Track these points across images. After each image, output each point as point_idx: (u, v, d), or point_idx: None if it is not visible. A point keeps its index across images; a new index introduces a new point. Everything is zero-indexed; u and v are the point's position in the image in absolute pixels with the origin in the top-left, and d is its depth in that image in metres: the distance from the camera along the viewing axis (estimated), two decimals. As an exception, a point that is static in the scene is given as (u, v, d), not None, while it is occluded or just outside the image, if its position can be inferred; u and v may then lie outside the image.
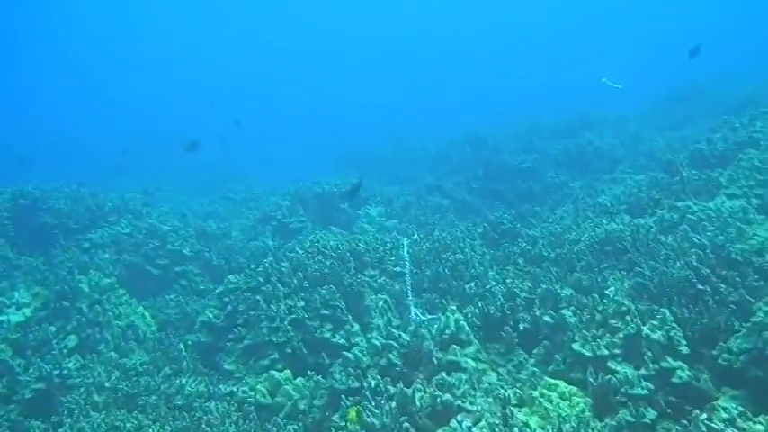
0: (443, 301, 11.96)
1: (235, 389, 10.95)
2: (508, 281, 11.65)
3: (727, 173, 14.41)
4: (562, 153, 24.39)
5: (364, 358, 9.59)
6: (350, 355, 9.63)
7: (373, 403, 8.28)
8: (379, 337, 9.86)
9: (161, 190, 30.44)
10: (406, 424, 7.94)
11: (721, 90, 31.28)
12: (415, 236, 14.93)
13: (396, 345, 9.55)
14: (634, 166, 23.07)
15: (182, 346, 12.70)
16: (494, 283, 12.01)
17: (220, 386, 11.13)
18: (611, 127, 28.49)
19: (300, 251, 13.10)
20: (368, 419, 7.97)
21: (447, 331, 9.71)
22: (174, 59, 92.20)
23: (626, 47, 69.43)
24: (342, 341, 11.40)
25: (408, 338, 9.61)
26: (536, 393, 8.59)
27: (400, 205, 20.99)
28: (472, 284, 12.18)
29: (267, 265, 12.34)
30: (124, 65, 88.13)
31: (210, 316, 12.40)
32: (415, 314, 10.06)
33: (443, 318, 9.85)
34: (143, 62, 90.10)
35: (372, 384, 8.88)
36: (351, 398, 8.94)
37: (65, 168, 37.94)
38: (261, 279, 12.10)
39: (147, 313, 14.30)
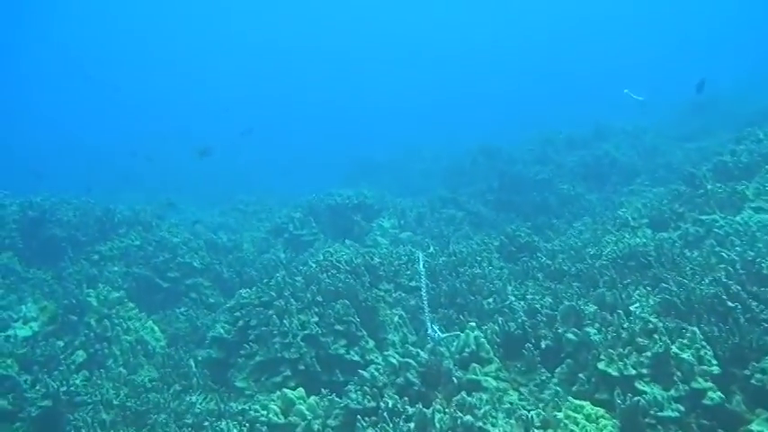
0: (461, 316, 11.68)
1: (246, 407, 10.61)
2: (529, 297, 11.34)
3: (753, 185, 14.07)
4: (579, 165, 24.09)
5: (380, 377, 9.28)
6: (366, 373, 9.32)
7: (391, 425, 7.96)
8: (396, 355, 9.55)
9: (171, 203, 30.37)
10: (426, 448, 7.62)
11: (738, 100, 30.95)
12: (431, 249, 14.63)
13: (413, 363, 9.22)
14: (652, 178, 22.73)
15: (192, 362, 12.42)
16: (513, 299, 11.71)
17: (231, 404, 10.83)
18: (628, 138, 28.14)
19: (314, 265, 12.82)
20: (386, 443, 7.66)
21: (467, 349, 9.40)
22: (182, 63, 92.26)
23: (640, 55, 69.06)
24: (356, 358, 11.09)
25: (426, 356, 9.30)
26: (561, 415, 8.26)
27: (414, 217, 20.68)
28: (491, 300, 11.88)
29: (280, 279, 12.05)
30: (132, 66, 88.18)
31: (221, 331, 12.10)
32: (434, 331, 9.73)
33: (463, 335, 9.54)
34: (151, 64, 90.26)
35: (390, 404, 8.56)
36: (367, 418, 8.63)
37: (74, 174, 37.97)
38: (273, 293, 11.81)
39: (156, 327, 14.04)
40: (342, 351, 11.11)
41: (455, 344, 9.56)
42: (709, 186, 14.43)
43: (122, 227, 18.34)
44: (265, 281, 12.34)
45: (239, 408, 10.64)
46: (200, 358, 12.48)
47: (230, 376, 11.40)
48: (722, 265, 10.48)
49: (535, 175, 22.84)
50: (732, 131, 25.59)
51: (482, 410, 8.22)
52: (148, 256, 17.29)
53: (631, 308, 10.21)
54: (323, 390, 10.11)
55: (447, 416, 8.15)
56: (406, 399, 8.68)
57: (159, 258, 17.12)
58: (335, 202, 20.69)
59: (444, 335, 9.63)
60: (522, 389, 9.45)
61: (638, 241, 12.14)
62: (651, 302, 10.27)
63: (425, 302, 10.78)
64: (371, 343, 11.44)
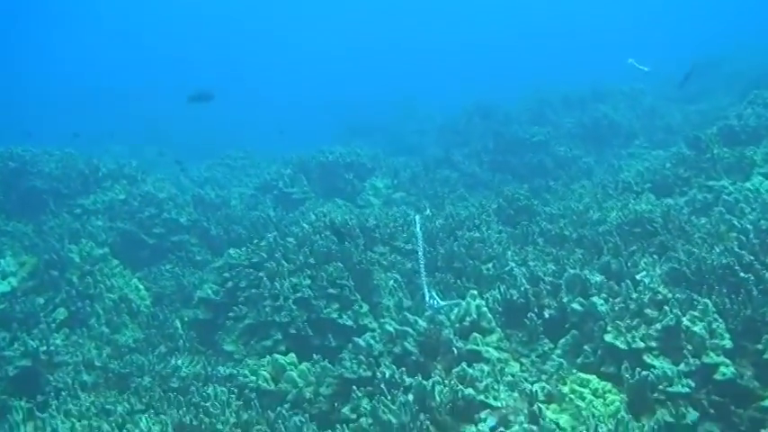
0: (459, 281, 11.33)
1: (235, 371, 10.30)
2: (531, 263, 10.98)
3: (762, 150, 13.69)
4: (576, 126, 23.64)
5: (377, 345, 8.92)
6: (361, 341, 8.96)
7: (389, 398, 7.60)
8: (393, 323, 9.19)
9: (163, 155, 29.85)
10: (426, 422, 7.26)
11: (740, 62, 30.45)
12: (428, 211, 14.24)
13: (411, 331, 8.87)
14: (651, 140, 22.41)
15: (178, 323, 12.05)
16: (513, 265, 11.35)
17: (219, 368, 10.48)
18: (626, 99, 27.63)
19: (306, 225, 12.40)
20: (384, 416, 7.29)
21: (468, 318, 9.03)
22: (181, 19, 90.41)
23: (638, 18, 68.33)
24: (349, 322, 10.76)
25: (425, 325, 8.93)
26: (566, 389, 7.94)
27: (407, 177, 20.21)
28: (490, 265, 11.53)
29: (271, 239, 11.64)
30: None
31: (209, 292, 11.73)
32: (432, 298, 9.34)
33: (464, 303, 9.16)
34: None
35: (386, 375, 8.22)
36: (362, 388, 8.28)
37: (71, 121, 37.27)
38: (264, 254, 11.41)
39: (141, 286, 13.62)
40: (334, 315, 10.77)
41: (455, 312, 9.19)
42: (715, 151, 14.04)
43: (107, 180, 17.82)
44: (256, 241, 11.92)
45: (227, 372, 10.31)
46: (186, 319, 12.12)
47: (218, 339, 11.07)
48: (734, 234, 10.12)
49: (531, 137, 22.32)
50: (733, 94, 25.30)
51: (483, 383, 7.88)
52: (133, 211, 16.85)
53: (637, 277, 9.85)
54: (315, 355, 9.78)
55: (447, 388, 7.81)
56: (403, 369, 8.34)
57: (145, 214, 16.68)
58: (327, 160, 20.18)
59: (444, 302, 9.23)
60: (523, 360, 9.11)
61: (645, 207, 11.76)
62: (658, 271, 9.92)
63: (422, 267, 10.40)
64: (365, 307, 11.09)
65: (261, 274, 11.13)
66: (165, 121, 41.24)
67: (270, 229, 16.10)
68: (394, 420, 7.19)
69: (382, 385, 7.94)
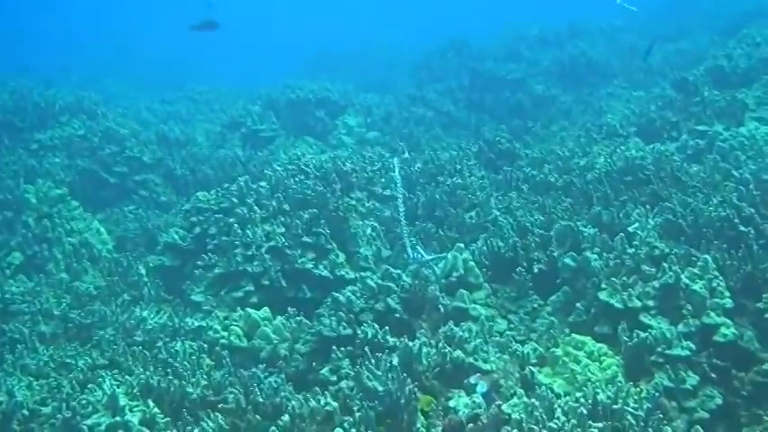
0: (440, 230, 10.85)
1: (204, 324, 9.81)
2: (518, 213, 10.51)
3: (754, 93, 13.24)
4: (553, 64, 22.93)
5: (358, 301, 8.45)
6: (341, 296, 8.49)
7: (373, 362, 7.13)
8: (375, 277, 8.72)
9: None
10: (414, 390, 6.81)
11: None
12: (406, 154, 13.67)
13: (395, 287, 8.40)
14: (631, 80, 21.80)
15: (142, 270, 11.48)
16: (497, 213, 10.89)
17: (187, 320, 9.96)
18: (604, 37, 27.00)
19: (279, 168, 11.81)
20: (369, 383, 6.83)
21: (454, 273, 8.60)
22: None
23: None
24: (325, 273, 10.27)
25: (410, 281, 8.46)
26: (559, 352, 7.55)
27: (381, 116, 19.51)
28: (473, 213, 11.04)
29: (242, 183, 11.02)
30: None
31: (176, 237, 11.12)
32: (416, 251, 8.86)
33: (450, 257, 8.70)
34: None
35: (369, 335, 7.76)
36: (342, 348, 7.82)
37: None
38: (235, 200, 10.81)
39: (102, 229, 13.00)
40: (309, 265, 10.27)
41: (441, 267, 8.72)
42: (706, 94, 13.57)
43: (64, 114, 16.93)
44: (226, 185, 11.27)
45: (196, 324, 9.81)
46: (151, 265, 11.53)
47: (186, 288, 10.50)
48: (731, 184, 9.73)
49: (507, 74, 21.69)
50: (713, 32, 24.78)
51: (472, 344, 7.47)
52: (94, 148, 16.06)
53: (630, 229, 9.43)
54: (289, 308, 9.31)
55: (434, 350, 7.37)
56: (386, 328, 7.88)
57: (106, 151, 15.91)
58: (297, 96, 19.39)
59: (429, 257, 8.73)
60: (511, 316, 8.74)
61: (635, 153, 11.29)
62: (652, 223, 9.50)
63: (402, 215, 9.92)
64: (342, 256, 10.61)
65: (231, 220, 10.56)
66: (125, 53, 40.09)
67: (238, 169, 15.60)
68: (380, 388, 6.73)
69: (366, 348, 7.45)
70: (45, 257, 11.68)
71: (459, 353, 7.32)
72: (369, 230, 11.05)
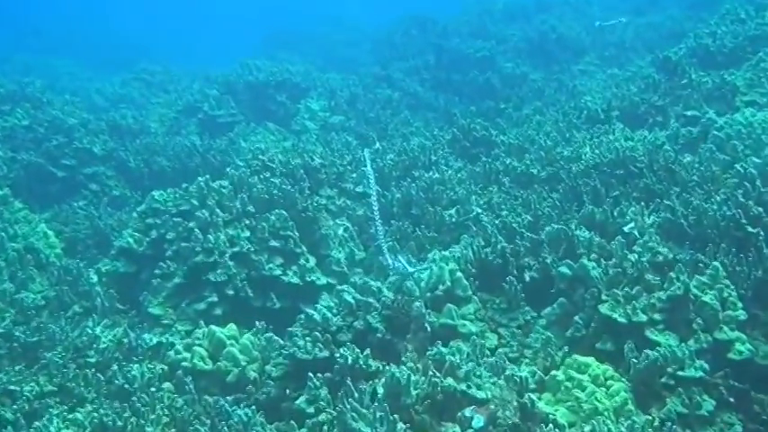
0: (417, 230, 10.11)
1: (163, 340, 9.02)
2: (503, 213, 9.80)
3: (744, 75, 12.62)
4: (522, 40, 22.19)
5: (334, 319, 7.69)
6: (315, 314, 7.72)
7: (357, 396, 6.36)
8: (353, 292, 7.96)
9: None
10: (404, 428, 6.07)
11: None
12: (377, 144, 12.88)
13: (376, 303, 7.65)
14: (602, 56, 21.20)
15: (94, 277, 10.61)
16: (479, 210, 10.18)
17: (145, 336, 9.14)
18: (572, 11, 26.28)
19: (242, 164, 11.01)
20: (353, 424, 6.07)
21: (441, 287, 7.86)
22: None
23: None
24: (295, 280, 9.53)
25: (392, 296, 7.71)
26: (561, 376, 6.86)
27: (345, 98, 18.61)
28: (452, 211, 10.32)
29: (202, 183, 10.15)
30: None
31: (131, 241, 10.23)
32: (396, 261, 8.08)
33: (436, 268, 7.96)
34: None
35: (349, 360, 7.00)
36: (320, 375, 7.06)
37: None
38: (195, 201, 9.95)
39: (50, 232, 12.05)
40: (278, 272, 9.52)
41: (426, 279, 7.98)
42: (693, 76, 12.91)
43: (5, 103, 15.88)
44: (185, 186, 10.40)
45: (154, 341, 9.02)
46: (104, 270, 10.64)
47: (143, 300, 9.64)
48: (733, 180, 9.10)
49: (476, 52, 20.96)
50: (683, 4, 24.27)
51: (464, 369, 6.74)
52: (39, 140, 15.07)
53: (625, 229, 8.78)
54: (257, 323, 8.55)
55: (423, 378, 6.64)
56: (368, 351, 7.14)
57: (52, 142, 14.94)
58: (256, 79, 18.47)
59: (413, 268, 7.96)
60: (502, 330, 8.03)
61: (625, 144, 10.62)
62: (648, 221, 8.85)
63: (377, 215, 9.15)
64: (312, 261, 9.88)
65: (191, 224, 9.72)
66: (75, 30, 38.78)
67: (196, 160, 14.75)
68: (366, 430, 5.97)
69: (347, 377, 6.70)
70: (-15, 266, 10.77)
71: (450, 380, 6.60)
72: (341, 231, 10.30)
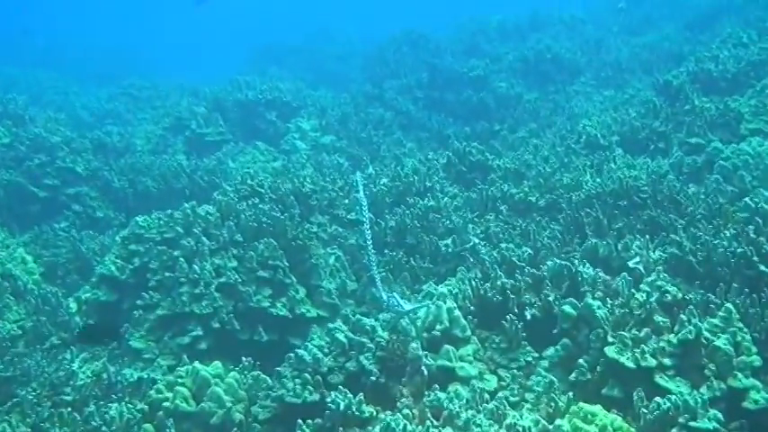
0: (412, 260, 9.74)
1: (144, 375, 8.60)
2: (502, 245, 9.42)
3: (749, 102, 12.29)
4: (517, 60, 21.83)
5: (325, 359, 7.27)
6: (306, 355, 7.29)
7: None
8: (345, 330, 7.55)
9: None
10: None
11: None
12: (370, 168, 12.49)
13: (369, 344, 7.24)
14: (598, 77, 20.87)
15: (74, 306, 10.19)
16: (476, 241, 9.80)
17: (125, 371, 8.72)
18: (566, 30, 26.03)
19: (230, 189, 10.59)
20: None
21: (438, 326, 7.46)
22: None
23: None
24: (283, 312, 9.13)
25: (386, 336, 7.30)
26: (566, 426, 6.44)
27: (336, 117, 18.19)
28: (448, 241, 9.94)
29: (188, 210, 9.74)
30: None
31: (113, 268, 9.81)
32: (392, 298, 7.67)
33: (433, 307, 7.55)
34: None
35: (341, 406, 6.58)
36: (310, 421, 6.65)
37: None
38: (180, 229, 9.55)
39: (29, 257, 11.61)
40: (266, 304, 9.13)
41: (423, 317, 7.57)
42: (697, 102, 12.58)
43: (-14, 121, 15.45)
44: (169, 212, 9.97)
45: (135, 377, 8.61)
46: (84, 298, 10.21)
47: (124, 332, 9.20)
48: (741, 214, 8.75)
49: (469, 71, 20.57)
50: (678, 23, 24.14)
51: (463, 418, 6.35)
52: (20, 158, 14.64)
53: (630, 264, 8.42)
54: (243, 359, 8.11)
55: (420, 428, 6.24)
56: (361, 396, 6.72)
57: (34, 161, 14.51)
58: (246, 98, 18.08)
59: (408, 306, 7.54)
60: (501, 371, 7.63)
61: (628, 173, 10.27)
62: (654, 256, 8.49)
63: (371, 245, 8.78)
64: (302, 292, 9.47)
65: (176, 253, 9.31)
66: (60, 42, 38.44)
67: (183, 181, 14.35)
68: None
69: (339, 429, 6.30)
70: (-39, 293, 10.34)
71: (449, 430, 6.21)
72: (332, 260, 9.89)
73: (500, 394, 7.18)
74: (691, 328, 6.82)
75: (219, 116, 17.72)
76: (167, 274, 9.21)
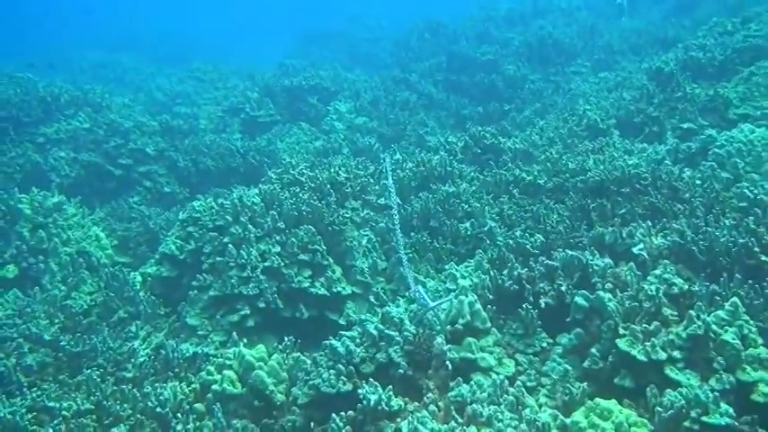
0: (435, 242, 8.79)
1: (199, 350, 7.78)
2: (518, 233, 8.41)
3: (736, 88, 11.03)
4: (523, 45, 20.45)
5: (357, 350, 6.36)
6: (339, 346, 6.37)
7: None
8: (376, 322, 6.63)
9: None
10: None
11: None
12: (397, 155, 11.44)
13: (398, 337, 6.30)
14: (592, 59, 19.46)
15: (139, 279, 9.37)
16: (492, 224, 8.80)
17: (182, 347, 7.89)
18: (564, 16, 24.48)
19: (275, 178, 9.65)
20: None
21: (461, 320, 6.49)
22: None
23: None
24: (322, 291, 8.21)
25: (413, 330, 6.37)
26: (583, 422, 5.50)
27: (368, 100, 17.13)
28: (467, 225, 8.95)
29: (236, 200, 8.78)
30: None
31: (173, 248, 8.93)
32: (418, 293, 6.74)
33: (456, 302, 6.58)
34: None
35: (371, 401, 5.68)
36: (343, 414, 5.76)
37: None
38: (229, 218, 8.62)
39: (102, 234, 10.79)
40: (306, 284, 8.19)
41: (446, 311, 6.62)
42: (687, 89, 11.34)
43: (69, 107, 14.51)
44: (220, 201, 9.03)
45: (191, 351, 7.77)
46: (149, 271, 9.37)
47: (181, 309, 8.36)
48: (742, 203, 7.66)
49: (482, 56, 19.31)
50: (663, 7, 22.60)
51: (486, 412, 5.43)
52: (99, 141, 13.80)
53: (635, 250, 7.40)
54: (285, 338, 7.24)
55: (445, 427, 5.34)
56: (390, 390, 5.81)
57: (110, 144, 13.69)
58: (291, 84, 17.06)
59: (435, 303, 6.58)
60: (518, 356, 6.68)
61: (631, 162, 9.15)
62: (656, 243, 7.45)
63: (398, 228, 7.86)
64: (338, 271, 8.55)
65: (226, 240, 8.41)
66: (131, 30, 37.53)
67: (237, 160, 13.46)
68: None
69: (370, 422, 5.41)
70: (40, 269, 9.55)
71: (472, 429, 5.30)
72: (364, 241, 8.94)
73: (518, 381, 6.26)
74: (699, 323, 5.81)
75: (269, 100, 16.71)
76: (218, 258, 8.31)
